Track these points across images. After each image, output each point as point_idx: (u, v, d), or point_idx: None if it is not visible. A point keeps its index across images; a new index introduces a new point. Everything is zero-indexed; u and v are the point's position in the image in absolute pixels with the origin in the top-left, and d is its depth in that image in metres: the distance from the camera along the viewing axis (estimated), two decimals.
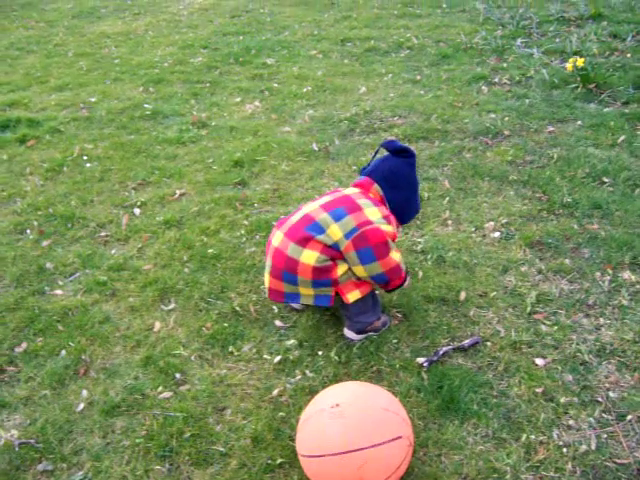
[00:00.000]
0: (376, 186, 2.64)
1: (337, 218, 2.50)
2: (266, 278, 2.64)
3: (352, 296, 2.57)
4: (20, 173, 4.45)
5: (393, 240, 2.54)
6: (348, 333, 2.73)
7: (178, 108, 5.44)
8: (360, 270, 2.51)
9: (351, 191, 2.65)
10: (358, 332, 2.70)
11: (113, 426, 2.41)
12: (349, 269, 2.53)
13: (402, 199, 2.68)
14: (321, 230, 2.49)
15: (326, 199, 2.62)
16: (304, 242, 2.48)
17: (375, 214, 2.52)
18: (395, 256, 2.55)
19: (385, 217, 2.55)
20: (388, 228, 2.52)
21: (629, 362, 2.53)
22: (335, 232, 2.47)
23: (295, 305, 2.92)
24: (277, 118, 5.12)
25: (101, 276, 3.26)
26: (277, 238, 2.58)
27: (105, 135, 4.99)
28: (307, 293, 2.56)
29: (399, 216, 2.71)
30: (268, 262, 2.60)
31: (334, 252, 2.49)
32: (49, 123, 5.24)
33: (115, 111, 5.46)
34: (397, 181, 2.66)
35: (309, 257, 2.46)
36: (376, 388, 2.15)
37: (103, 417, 2.44)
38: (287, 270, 2.51)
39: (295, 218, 2.59)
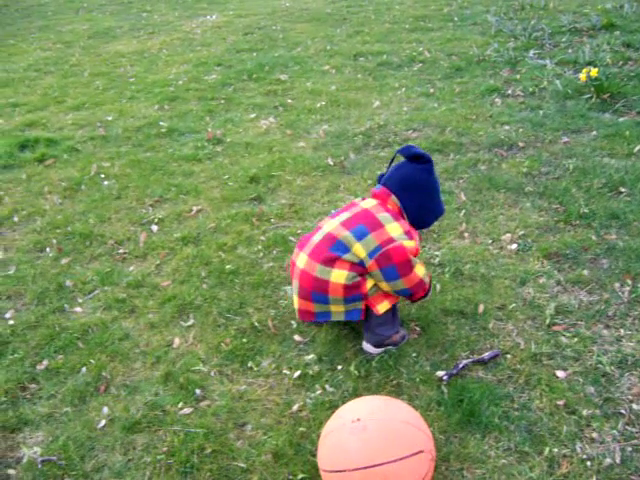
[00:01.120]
0: (393, 197, 2.63)
1: (359, 237, 2.49)
2: (294, 300, 2.64)
3: (382, 307, 2.58)
4: (39, 192, 4.51)
5: (415, 255, 2.54)
6: (366, 346, 2.72)
7: (193, 125, 5.50)
8: (385, 286, 2.53)
9: (369, 204, 2.63)
10: (376, 345, 2.70)
11: (134, 443, 2.42)
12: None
13: (419, 206, 2.66)
14: (345, 249, 2.49)
15: (345, 216, 2.61)
16: (331, 262, 2.48)
17: (396, 230, 2.52)
18: (419, 271, 2.55)
19: (406, 232, 2.54)
20: (410, 244, 2.51)
21: None
22: (359, 251, 2.48)
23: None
24: (292, 133, 5.15)
25: (120, 293, 3.29)
26: (301, 260, 2.58)
27: (122, 153, 5.05)
28: (338, 310, 2.57)
29: (419, 221, 2.69)
30: (295, 284, 2.61)
31: (361, 269, 2.50)
32: (67, 142, 5.31)
33: (131, 129, 5.53)
34: (413, 188, 2.63)
35: (339, 276, 2.47)
36: (397, 402, 2.14)
37: (124, 434, 2.45)
38: (317, 290, 2.51)
39: (317, 238, 2.58)
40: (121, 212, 4.14)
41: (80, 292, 3.35)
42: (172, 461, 2.32)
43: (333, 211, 2.79)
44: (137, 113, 5.93)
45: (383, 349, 2.71)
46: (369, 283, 2.53)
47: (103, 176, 4.66)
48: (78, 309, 3.21)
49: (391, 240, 2.48)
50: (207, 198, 4.21)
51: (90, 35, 9.44)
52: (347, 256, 2.48)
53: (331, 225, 2.60)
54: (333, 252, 2.49)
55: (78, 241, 3.82)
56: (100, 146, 5.24)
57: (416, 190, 2.64)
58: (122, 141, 5.31)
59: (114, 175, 4.67)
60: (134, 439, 2.43)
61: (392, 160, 2.76)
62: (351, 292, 2.50)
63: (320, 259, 2.50)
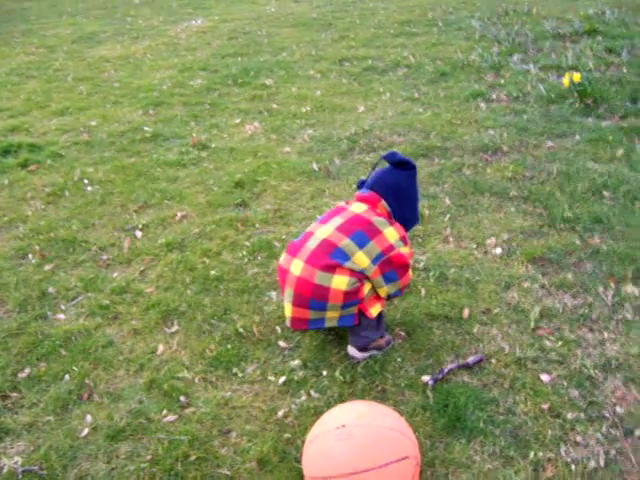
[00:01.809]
0: (383, 202, 2.64)
1: (361, 244, 2.49)
2: (287, 308, 2.58)
3: (374, 310, 2.59)
4: (22, 198, 4.46)
5: (410, 258, 2.62)
6: (352, 351, 2.71)
7: (178, 130, 5.48)
8: (384, 290, 2.59)
9: (360, 209, 2.62)
10: (361, 349, 2.69)
11: (118, 451, 2.39)
12: (372, 287, 2.58)
13: (404, 212, 2.70)
14: (346, 257, 2.48)
15: (338, 221, 2.58)
16: (332, 269, 2.46)
17: (393, 235, 2.56)
18: (410, 272, 2.66)
19: (402, 238, 2.59)
20: (406, 250, 2.59)
21: (635, 376, 2.52)
22: (362, 260, 2.49)
23: None
24: (277, 138, 5.15)
25: (103, 300, 3.26)
26: (296, 266, 2.52)
27: (106, 158, 5.02)
28: (333, 316, 2.55)
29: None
30: (289, 292, 2.54)
31: (361, 275, 2.51)
32: (50, 148, 5.27)
33: (115, 134, 5.50)
34: (401, 195, 2.66)
35: (340, 282, 2.45)
36: (382, 408, 2.14)
37: (107, 442, 2.43)
38: (316, 298, 2.48)
39: (312, 244, 2.53)
40: (105, 218, 4.11)
41: (63, 299, 3.32)
42: (156, 469, 2.29)
43: (319, 216, 2.77)
44: (121, 118, 5.90)
45: (368, 354, 2.70)
46: (366, 287, 2.54)
47: (87, 182, 4.63)
48: (61, 316, 3.18)
49: (392, 247, 2.53)
50: (192, 203, 4.19)
51: (74, 40, 9.39)
52: (348, 264, 2.47)
53: (326, 231, 2.56)
54: (333, 259, 2.47)
55: (61, 247, 3.78)
56: (84, 151, 5.21)
57: (402, 196, 2.67)
58: (106, 146, 5.27)
59: (98, 181, 4.63)
60: (118, 447, 2.41)
61: (375, 165, 2.76)
62: (350, 298, 2.49)
63: (320, 266, 2.47)
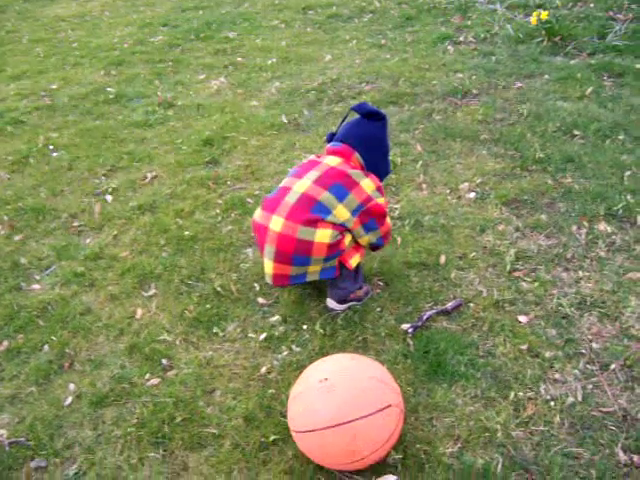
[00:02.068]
0: (357, 155, 2.61)
1: (340, 197, 2.48)
2: (268, 265, 2.54)
3: (354, 261, 2.60)
4: None
5: (386, 208, 2.64)
6: (330, 303, 2.72)
7: (142, 89, 5.34)
8: (365, 240, 2.61)
9: (334, 162, 2.58)
10: (340, 301, 2.70)
11: (103, 417, 2.39)
12: (352, 237, 2.58)
13: (376, 163, 2.68)
14: (327, 211, 2.45)
15: (314, 174, 2.54)
16: (314, 224, 2.43)
17: (370, 186, 2.55)
18: (389, 220, 2.69)
19: (378, 189, 2.59)
20: (382, 200, 2.59)
21: (610, 312, 2.57)
22: (342, 213, 2.48)
23: None
24: (244, 93, 5.05)
25: (78, 267, 3.21)
26: (276, 223, 2.47)
27: (70, 122, 4.89)
28: (315, 270, 2.54)
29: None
30: (269, 248, 2.50)
31: (342, 228, 2.50)
32: (10, 114, 5.11)
33: (78, 97, 5.34)
34: (373, 146, 2.64)
35: (324, 236, 2.43)
36: (363, 358, 2.15)
37: (92, 409, 2.43)
38: (299, 253, 2.45)
39: (291, 199, 2.49)
40: (73, 184, 4.03)
41: (36, 269, 3.27)
42: (143, 432, 2.30)
43: (291, 169, 2.72)
44: (83, 80, 5.73)
45: (347, 305, 2.72)
46: (347, 239, 2.54)
47: (52, 147, 4.51)
48: (36, 286, 3.13)
49: (370, 198, 2.54)
50: (161, 164, 4.12)
51: None
52: (329, 218, 2.45)
53: (303, 185, 2.52)
54: (315, 214, 2.44)
55: (30, 216, 3.71)
56: (46, 116, 5.06)
57: (374, 147, 2.65)
58: (69, 110, 5.13)
59: (63, 146, 4.52)
60: (103, 413, 2.41)
61: (345, 117, 2.72)
62: (332, 250, 2.48)
63: (301, 221, 2.43)
